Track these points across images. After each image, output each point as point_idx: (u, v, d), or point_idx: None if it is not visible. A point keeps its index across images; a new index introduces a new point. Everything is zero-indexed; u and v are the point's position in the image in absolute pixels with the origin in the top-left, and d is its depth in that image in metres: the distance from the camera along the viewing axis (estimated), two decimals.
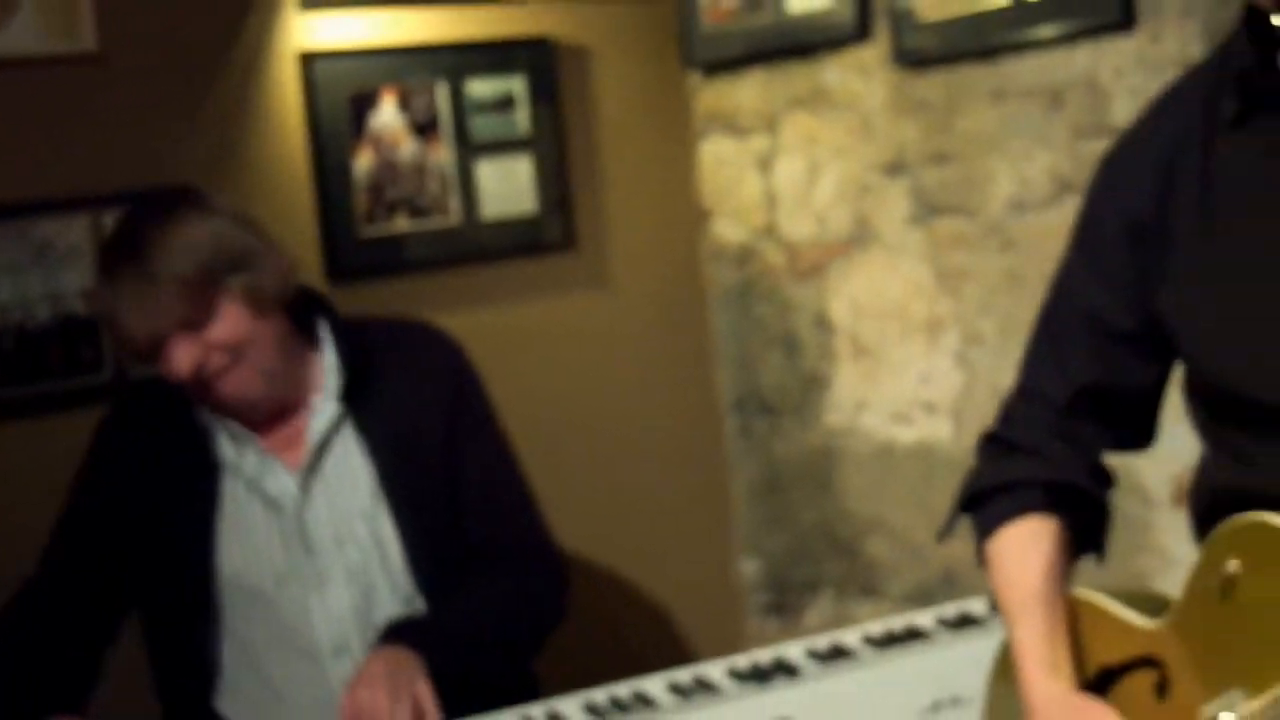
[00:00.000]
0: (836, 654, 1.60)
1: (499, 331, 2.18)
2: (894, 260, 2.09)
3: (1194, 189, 1.10)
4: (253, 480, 1.53)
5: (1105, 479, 1.23)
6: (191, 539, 1.53)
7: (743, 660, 1.60)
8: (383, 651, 1.45)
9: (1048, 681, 1.16)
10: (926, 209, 2.05)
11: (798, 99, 2.18)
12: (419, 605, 1.57)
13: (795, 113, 2.19)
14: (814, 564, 2.20)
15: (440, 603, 1.56)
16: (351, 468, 1.55)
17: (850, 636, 1.63)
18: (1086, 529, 1.24)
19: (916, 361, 2.08)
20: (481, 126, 2.19)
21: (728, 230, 2.28)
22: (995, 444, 1.28)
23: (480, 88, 2.19)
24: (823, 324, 2.18)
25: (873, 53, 2.09)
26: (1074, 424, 1.22)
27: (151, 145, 1.94)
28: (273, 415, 1.53)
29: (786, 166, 2.20)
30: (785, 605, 2.23)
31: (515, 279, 2.20)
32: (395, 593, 1.56)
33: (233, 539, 1.54)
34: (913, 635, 1.58)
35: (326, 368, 1.55)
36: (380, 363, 1.57)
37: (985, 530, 1.24)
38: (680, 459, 2.26)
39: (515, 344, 2.18)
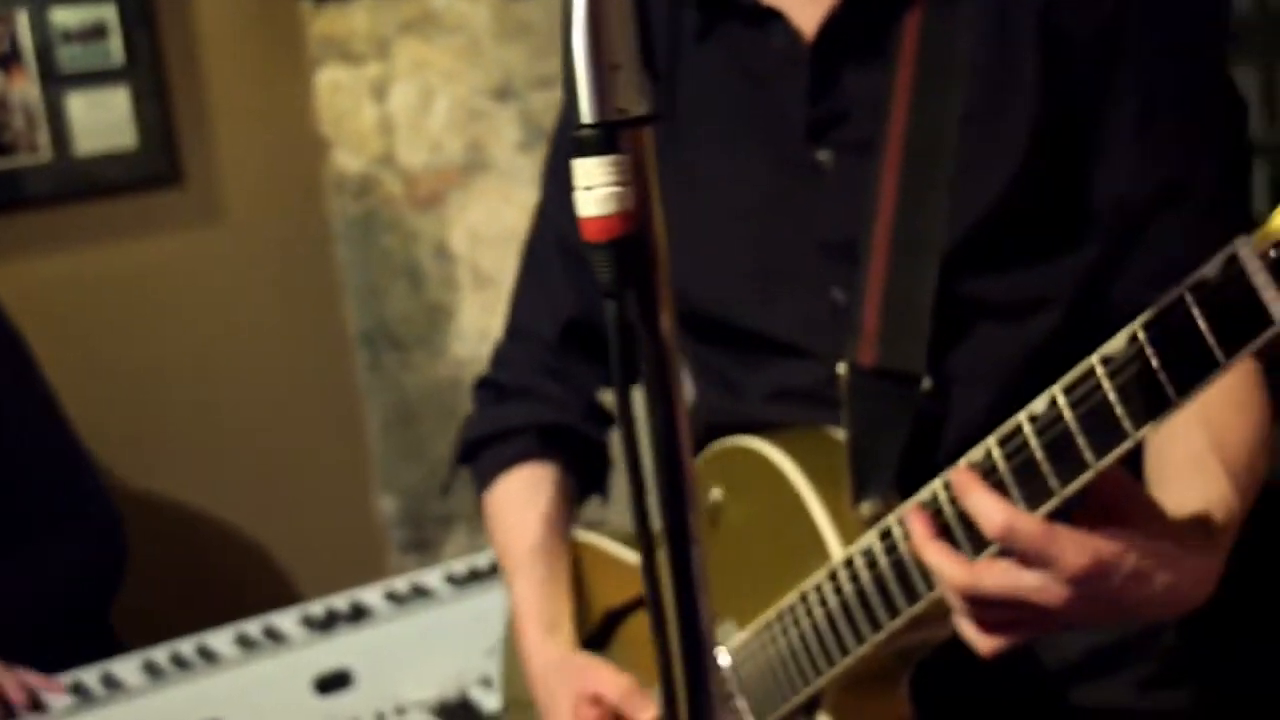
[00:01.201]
0: (416, 594, 1.60)
1: (105, 273, 2.07)
2: (508, 187, 2.07)
3: (664, 102, 1.07)
4: None
5: (604, 417, 1.19)
6: None
7: (316, 606, 1.59)
8: None
9: (546, 644, 1.11)
10: (536, 134, 2.03)
11: (408, 23, 2.12)
12: None
13: (406, 38, 2.13)
14: (448, 498, 2.19)
15: None
16: None
17: (431, 576, 1.64)
18: (588, 471, 1.19)
19: None
20: (70, 57, 2.05)
21: (348, 160, 2.21)
22: (487, 389, 1.22)
23: (66, 15, 2.05)
24: (444, 254, 2.15)
25: None
26: (566, 361, 1.17)
27: None
28: None
29: (400, 93, 2.15)
30: (424, 541, 2.22)
31: (119, 217, 2.08)
32: None
33: None
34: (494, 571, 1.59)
35: None
36: None
37: (483, 482, 1.19)
38: (311, 397, 2.21)
39: (124, 285, 2.07)
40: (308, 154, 2.19)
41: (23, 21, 2.02)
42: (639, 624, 1.12)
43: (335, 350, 2.21)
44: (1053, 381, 0.77)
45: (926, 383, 0.93)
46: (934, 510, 0.83)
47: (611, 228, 0.59)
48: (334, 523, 2.20)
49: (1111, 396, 0.72)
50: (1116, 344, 0.73)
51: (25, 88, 2.03)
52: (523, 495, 1.16)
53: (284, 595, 2.10)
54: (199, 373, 2.12)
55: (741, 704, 1.03)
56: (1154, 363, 0.70)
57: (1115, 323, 0.74)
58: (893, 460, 0.94)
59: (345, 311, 2.22)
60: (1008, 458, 0.79)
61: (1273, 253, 0.65)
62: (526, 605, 1.12)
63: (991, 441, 0.80)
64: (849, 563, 0.90)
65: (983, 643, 0.82)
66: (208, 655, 1.47)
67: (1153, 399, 0.70)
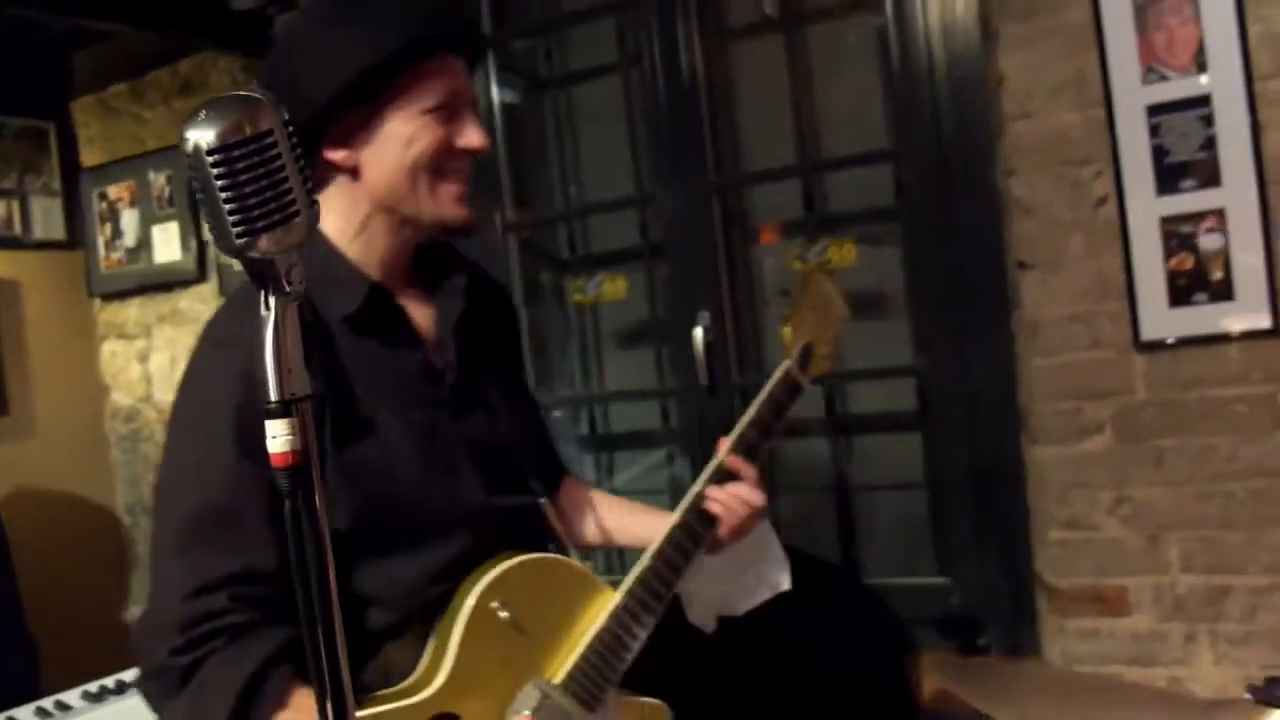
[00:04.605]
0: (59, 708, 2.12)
1: None
2: None
3: (330, 374, 1.38)
4: None
5: None
6: None
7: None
8: None
9: None
10: None
11: (163, 316, 3.48)
12: None
13: (163, 325, 3.48)
14: None
15: None
16: None
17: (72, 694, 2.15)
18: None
19: None
20: None
21: (120, 399, 3.51)
22: (202, 644, 1.29)
23: None
24: None
25: (209, 288, 3.43)
26: (284, 589, 1.18)
27: None
28: None
29: (157, 359, 3.49)
30: None
31: None
32: None
33: None
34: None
35: None
36: None
37: (267, 714, 1.28)
38: (88, 549, 3.42)
39: None
40: (96, 396, 3.48)
41: None
42: None
43: (110, 517, 3.45)
44: None
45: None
46: (719, 480, 1.65)
47: (289, 459, 0.90)
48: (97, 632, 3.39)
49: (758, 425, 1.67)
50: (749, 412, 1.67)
51: None
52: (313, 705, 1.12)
53: None
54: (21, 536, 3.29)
55: (571, 704, 1.50)
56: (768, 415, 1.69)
57: None
58: None
59: (118, 493, 3.48)
60: (742, 448, 1.66)
61: (797, 356, 1.70)
62: None
63: (733, 444, 1.65)
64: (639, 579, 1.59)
65: (734, 540, 1.66)
66: None
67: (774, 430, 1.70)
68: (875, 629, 2.47)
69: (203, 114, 0.89)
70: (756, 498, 1.65)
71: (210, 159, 0.88)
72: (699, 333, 2.63)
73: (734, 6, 2.81)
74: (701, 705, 2.26)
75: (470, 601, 1.42)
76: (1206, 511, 2.08)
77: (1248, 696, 1.12)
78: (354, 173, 1.45)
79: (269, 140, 0.91)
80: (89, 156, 3.55)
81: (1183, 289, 2.11)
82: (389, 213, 1.46)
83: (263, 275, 0.93)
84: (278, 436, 0.92)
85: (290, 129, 0.92)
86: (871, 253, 2.61)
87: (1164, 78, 2.11)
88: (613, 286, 2.94)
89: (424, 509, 1.41)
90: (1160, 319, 2.13)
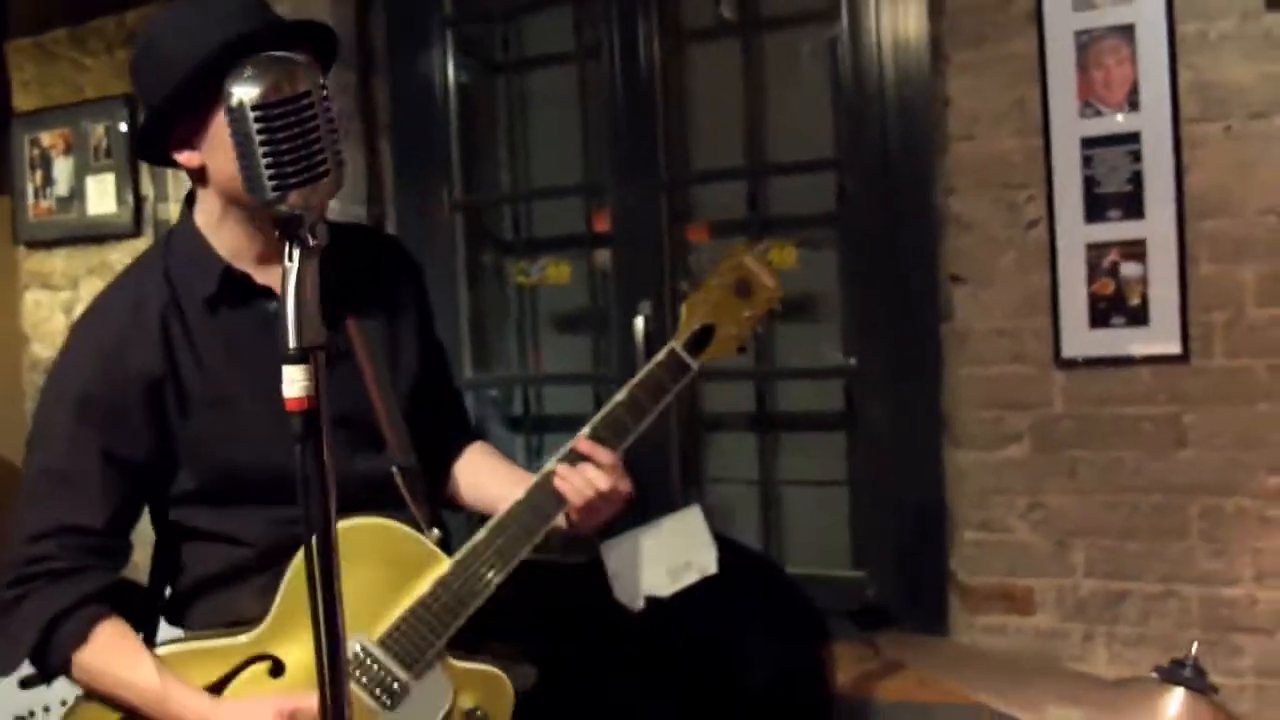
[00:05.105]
0: None
1: None
2: None
3: (186, 348, 1.55)
4: None
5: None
6: None
7: None
8: None
9: (221, 707, 1.49)
10: None
11: (92, 269, 3.42)
12: None
13: (91, 278, 3.42)
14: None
15: None
16: None
17: None
18: (139, 619, 1.60)
19: None
20: None
21: (40, 351, 3.44)
22: (31, 582, 1.51)
23: None
24: None
25: (143, 243, 3.37)
26: (111, 541, 1.55)
27: None
28: None
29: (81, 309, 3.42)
30: None
31: None
32: None
33: None
34: None
35: None
36: None
37: (68, 649, 1.50)
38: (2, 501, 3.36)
39: None
40: (14, 345, 3.41)
41: None
42: (249, 680, 1.54)
43: (16, 469, 3.38)
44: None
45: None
46: (572, 460, 1.63)
47: (303, 403, 0.97)
48: None
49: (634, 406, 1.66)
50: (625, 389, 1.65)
51: None
52: (120, 640, 1.52)
53: None
54: None
55: (389, 660, 1.56)
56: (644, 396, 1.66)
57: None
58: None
59: None
60: (606, 429, 1.64)
61: (687, 336, 1.68)
62: (188, 699, 1.49)
63: (595, 424, 1.64)
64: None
65: (588, 523, 1.63)
66: None
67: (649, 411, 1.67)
68: (793, 618, 2.57)
69: (248, 71, 0.93)
70: (602, 482, 1.62)
71: (253, 114, 0.93)
72: (640, 322, 2.70)
73: (692, 8, 2.88)
74: (618, 684, 2.32)
75: (299, 557, 1.49)
76: (1111, 521, 2.23)
77: (1154, 675, 1.23)
78: (201, 172, 1.55)
79: (305, 102, 0.95)
80: (22, 100, 3.46)
81: (1103, 311, 2.24)
82: (239, 205, 1.55)
83: (289, 228, 0.97)
84: (294, 381, 0.97)
85: (325, 92, 0.97)
86: (811, 256, 2.71)
87: (1099, 113, 2.25)
88: (556, 271, 2.99)
89: (272, 474, 1.47)
90: (1080, 338, 2.26)
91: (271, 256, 1.58)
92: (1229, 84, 2.13)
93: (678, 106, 2.86)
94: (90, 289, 3.42)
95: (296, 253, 0.97)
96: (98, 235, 3.39)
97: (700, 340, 1.73)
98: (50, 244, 3.45)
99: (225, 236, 1.59)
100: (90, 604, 1.51)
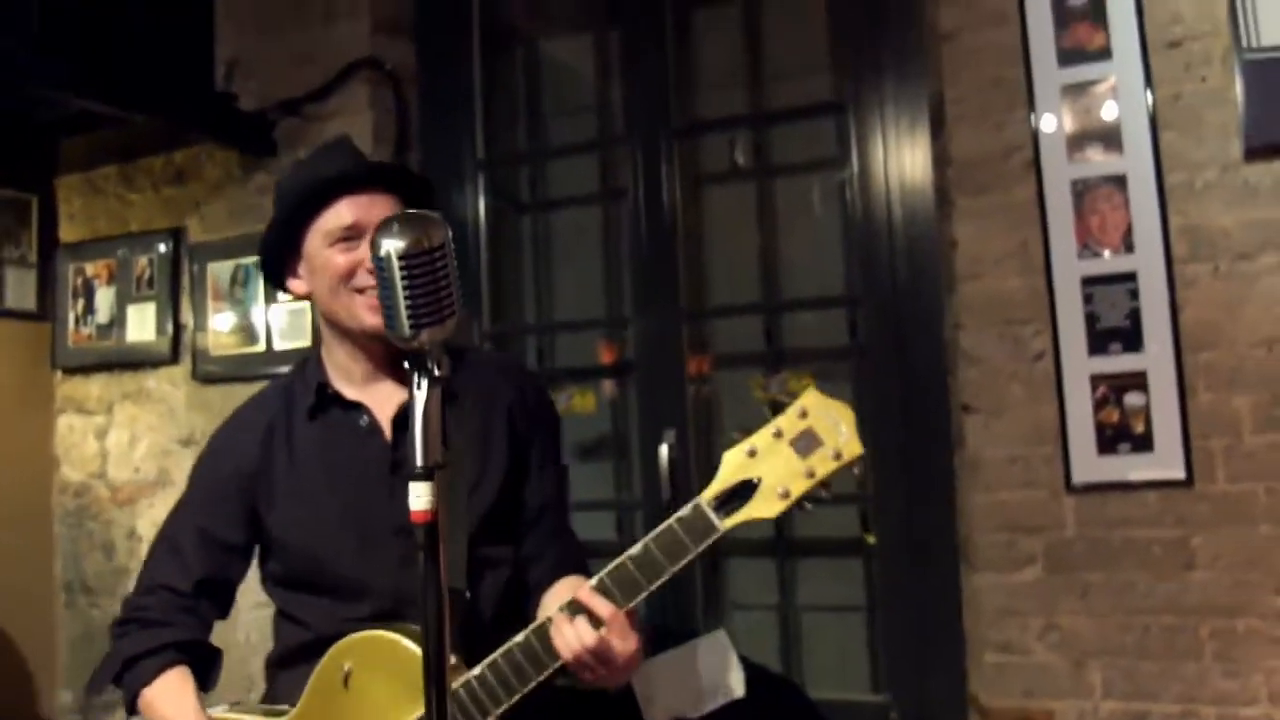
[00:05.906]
0: None
1: None
2: None
3: (284, 450, 1.78)
4: None
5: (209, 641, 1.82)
6: None
7: None
8: None
9: None
10: None
11: (127, 394, 3.53)
12: None
13: (125, 403, 3.53)
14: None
15: None
16: None
17: None
18: (209, 672, 1.80)
19: None
20: None
21: (70, 474, 3.53)
22: (127, 625, 1.79)
23: None
24: (133, 536, 3.47)
25: (180, 370, 3.49)
26: (197, 603, 1.80)
27: None
28: None
29: (115, 435, 3.52)
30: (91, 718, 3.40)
31: None
32: None
33: None
34: None
35: None
36: None
37: (139, 685, 1.73)
38: (23, 623, 3.39)
39: None
40: (45, 467, 3.50)
41: None
42: None
43: (45, 593, 3.43)
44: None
45: (468, 594, 1.67)
46: (572, 612, 1.54)
47: (426, 516, 1.07)
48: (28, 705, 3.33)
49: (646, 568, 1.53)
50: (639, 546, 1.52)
51: None
52: (175, 689, 1.72)
53: None
54: None
55: None
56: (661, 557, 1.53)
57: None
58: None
59: (55, 568, 3.47)
60: (614, 583, 1.55)
61: (714, 499, 1.49)
62: None
63: (603, 575, 1.54)
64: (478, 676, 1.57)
65: (586, 679, 1.53)
66: None
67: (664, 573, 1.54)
68: None
69: (395, 226, 1.08)
70: (591, 639, 1.51)
71: (398, 264, 1.06)
72: (664, 449, 2.81)
73: (709, 154, 3.08)
74: None
75: (326, 656, 1.66)
76: (1126, 641, 2.32)
77: None
78: (310, 299, 1.81)
79: (439, 254, 1.09)
80: (68, 232, 3.62)
81: (1109, 439, 2.38)
82: (334, 326, 1.79)
83: (419, 361, 1.10)
84: (420, 496, 1.08)
85: (453, 245, 1.11)
86: (826, 387, 2.84)
87: (1097, 254, 2.42)
88: (582, 400, 3.11)
89: (338, 571, 1.70)
90: (1089, 464, 2.39)
91: (371, 377, 1.80)
92: (1215, 229, 2.30)
93: (696, 244, 3.04)
94: (125, 414, 3.53)
95: (425, 382, 1.10)
96: (135, 362, 3.50)
97: (731, 497, 1.52)
98: (88, 370, 3.56)
99: (335, 356, 1.81)
100: (165, 651, 1.74)
